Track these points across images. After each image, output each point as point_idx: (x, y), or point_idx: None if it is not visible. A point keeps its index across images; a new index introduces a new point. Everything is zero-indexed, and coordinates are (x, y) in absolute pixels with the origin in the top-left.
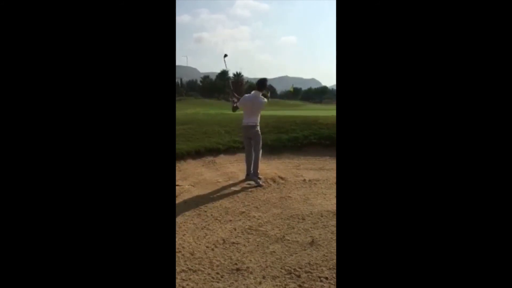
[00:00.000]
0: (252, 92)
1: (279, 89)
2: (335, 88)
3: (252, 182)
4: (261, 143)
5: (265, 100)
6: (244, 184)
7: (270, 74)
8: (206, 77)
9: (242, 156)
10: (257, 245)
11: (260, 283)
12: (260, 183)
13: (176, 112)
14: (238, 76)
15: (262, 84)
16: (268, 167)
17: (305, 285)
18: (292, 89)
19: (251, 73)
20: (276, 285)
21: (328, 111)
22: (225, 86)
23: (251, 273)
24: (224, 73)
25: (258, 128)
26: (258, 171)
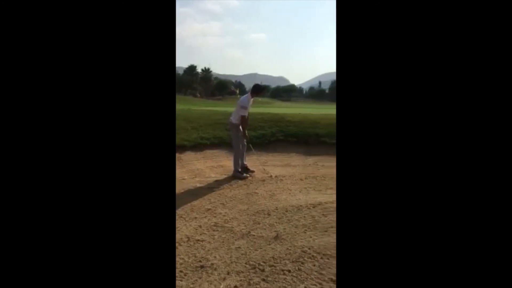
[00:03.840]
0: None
1: (248, 86)
2: (302, 86)
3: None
4: (236, 141)
5: (244, 104)
6: (210, 181)
7: (240, 70)
8: None
9: (209, 153)
10: (222, 242)
11: (224, 279)
12: (243, 175)
13: None
14: (206, 71)
15: (253, 89)
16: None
17: (269, 278)
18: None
19: (221, 69)
20: (240, 280)
21: (296, 109)
22: (192, 81)
23: (215, 269)
24: (191, 68)
25: (234, 126)
26: (238, 168)
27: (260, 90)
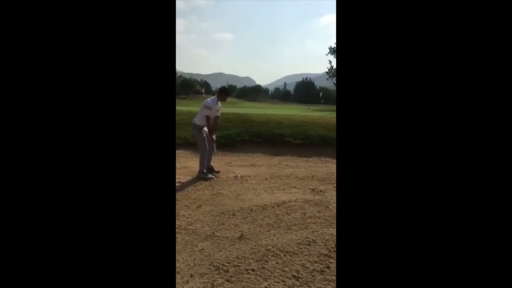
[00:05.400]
0: (214, 100)
1: (214, 85)
2: (268, 87)
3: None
4: (200, 144)
5: (207, 104)
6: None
7: (205, 70)
8: None
9: None
10: (186, 244)
11: (187, 282)
12: (208, 176)
13: None
14: None
15: (221, 92)
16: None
17: (233, 278)
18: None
19: (186, 68)
20: (204, 282)
21: (261, 109)
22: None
23: (178, 273)
24: None
25: (196, 128)
26: (203, 169)
27: (228, 93)
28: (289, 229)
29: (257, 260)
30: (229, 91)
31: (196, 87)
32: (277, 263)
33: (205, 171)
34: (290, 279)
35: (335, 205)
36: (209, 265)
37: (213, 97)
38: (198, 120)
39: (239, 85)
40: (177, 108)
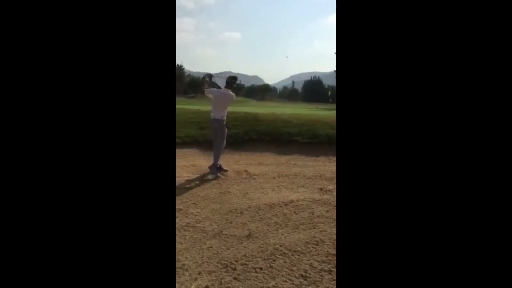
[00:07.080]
0: (223, 89)
1: (223, 84)
2: (276, 86)
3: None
4: (222, 137)
5: (234, 96)
6: (182, 181)
7: (213, 69)
8: None
9: (181, 152)
10: (194, 242)
11: (195, 279)
12: (218, 174)
13: None
14: (179, 69)
15: (230, 82)
16: (208, 162)
17: (240, 277)
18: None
19: (194, 67)
20: (212, 279)
21: (269, 108)
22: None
23: (186, 270)
24: None
25: (216, 122)
26: (218, 163)
27: (229, 82)
28: (297, 228)
29: (264, 259)
30: (232, 80)
31: (204, 86)
32: (285, 262)
33: (218, 165)
34: (298, 278)
35: None
36: (217, 263)
37: (223, 88)
38: (217, 115)
39: (247, 84)
40: (186, 107)
